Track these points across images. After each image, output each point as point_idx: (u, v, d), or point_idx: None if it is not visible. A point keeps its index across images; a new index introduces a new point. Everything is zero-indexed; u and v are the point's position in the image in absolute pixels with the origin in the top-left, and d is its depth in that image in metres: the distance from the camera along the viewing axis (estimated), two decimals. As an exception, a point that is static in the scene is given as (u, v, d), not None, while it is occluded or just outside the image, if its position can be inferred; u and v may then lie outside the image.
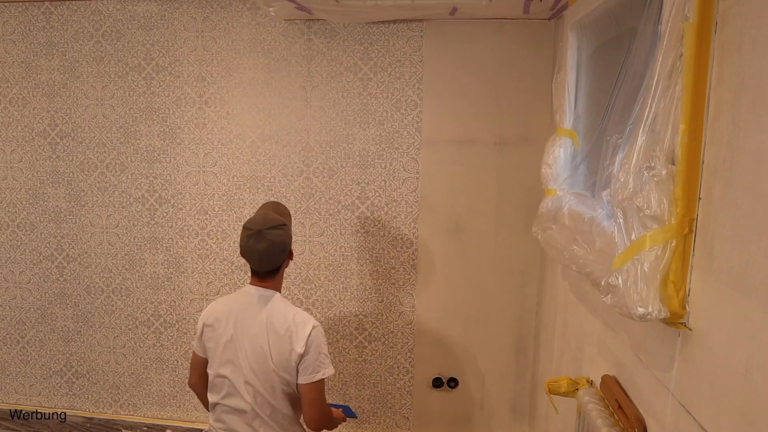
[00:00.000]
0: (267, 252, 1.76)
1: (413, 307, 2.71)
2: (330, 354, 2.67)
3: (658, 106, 1.08)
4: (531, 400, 2.71)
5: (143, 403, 2.97)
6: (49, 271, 2.92)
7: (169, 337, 2.88)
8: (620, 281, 1.14)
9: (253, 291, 1.82)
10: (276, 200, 2.10)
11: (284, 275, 2.16)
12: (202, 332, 1.85)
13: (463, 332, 2.71)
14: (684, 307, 1.09)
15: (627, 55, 1.46)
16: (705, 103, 1.05)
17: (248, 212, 2.72)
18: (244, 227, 1.78)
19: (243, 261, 2.75)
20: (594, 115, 1.82)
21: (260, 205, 2.19)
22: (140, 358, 2.93)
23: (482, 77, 2.52)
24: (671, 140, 1.06)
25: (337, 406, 2.09)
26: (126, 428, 2.90)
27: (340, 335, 2.77)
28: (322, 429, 1.88)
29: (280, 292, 1.86)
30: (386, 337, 2.75)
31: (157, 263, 2.82)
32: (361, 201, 2.64)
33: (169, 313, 2.86)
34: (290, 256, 1.87)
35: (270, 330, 1.78)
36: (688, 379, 1.09)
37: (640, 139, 1.11)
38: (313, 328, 1.80)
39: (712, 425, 1.00)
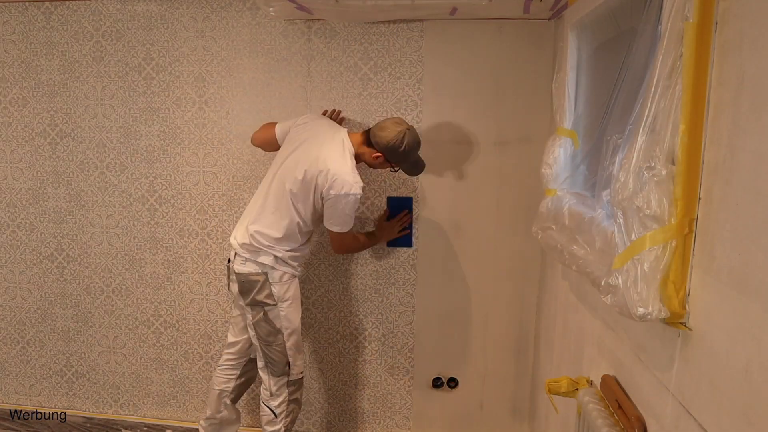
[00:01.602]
0: (380, 125, 2.18)
1: (413, 307, 2.71)
2: (329, 353, 2.69)
3: (658, 106, 1.08)
4: (531, 400, 2.71)
5: (143, 403, 2.97)
6: (49, 271, 2.92)
7: (169, 337, 2.88)
8: (620, 281, 1.14)
9: (343, 134, 2.22)
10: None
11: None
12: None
13: (463, 332, 2.71)
14: (684, 307, 1.09)
15: (627, 55, 1.46)
16: (705, 103, 1.05)
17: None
18: (397, 124, 2.17)
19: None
20: (594, 115, 1.82)
21: None
22: (140, 358, 2.93)
23: (482, 77, 2.52)
24: (671, 140, 1.06)
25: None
26: (126, 428, 2.90)
27: (340, 335, 2.77)
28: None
29: (355, 151, 2.20)
30: (386, 337, 2.75)
31: (157, 263, 2.82)
32: (361, 201, 2.64)
33: (169, 313, 2.86)
34: (379, 156, 2.19)
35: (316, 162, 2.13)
36: (688, 379, 1.09)
37: (640, 139, 1.11)
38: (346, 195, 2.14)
39: (712, 425, 1.00)
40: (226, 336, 2.48)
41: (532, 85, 2.50)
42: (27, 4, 2.72)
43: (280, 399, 2.31)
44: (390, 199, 2.61)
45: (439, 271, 2.68)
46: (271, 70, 2.62)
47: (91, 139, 2.78)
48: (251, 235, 2.19)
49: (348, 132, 2.25)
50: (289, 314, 2.26)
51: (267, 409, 2.32)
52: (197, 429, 2.68)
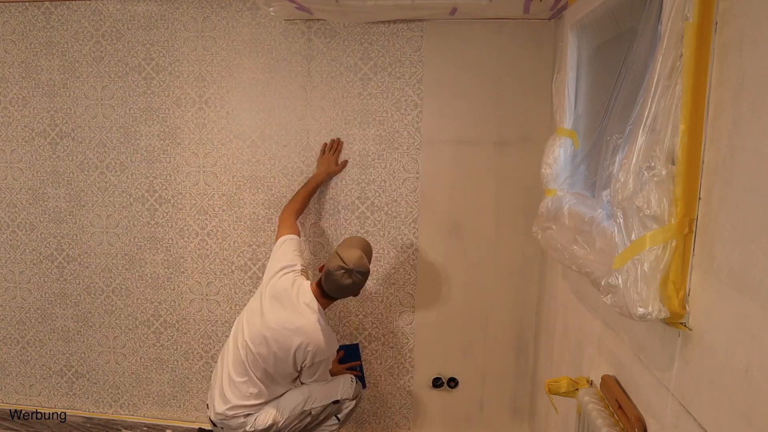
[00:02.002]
0: (347, 288, 2.14)
1: (413, 307, 2.71)
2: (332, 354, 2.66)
3: (658, 106, 1.08)
4: (531, 400, 2.71)
5: (143, 403, 2.97)
6: (49, 271, 2.92)
7: (169, 337, 2.88)
8: (620, 281, 1.14)
9: (310, 297, 2.18)
10: (363, 239, 2.37)
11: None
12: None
13: (463, 332, 2.71)
14: (684, 307, 1.09)
15: (627, 55, 1.46)
16: (705, 103, 1.05)
17: (248, 212, 2.72)
18: (342, 260, 2.12)
19: (243, 261, 2.76)
20: (594, 115, 1.82)
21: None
22: (140, 358, 2.93)
23: (482, 77, 2.52)
24: (671, 140, 1.06)
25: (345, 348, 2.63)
26: (126, 428, 2.90)
27: (340, 335, 2.77)
28: None
29: (323, 310, 2.20)
30: (386, 337, 2.75)
31: (157, 263, 2.82)
32: (361, 201, 2.64)
33: (169, 313, 2.86)
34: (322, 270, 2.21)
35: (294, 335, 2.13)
36: (688, 379, 1.09)
37: (640, 139, 1.11)
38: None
39: (712, 425, 1.00)
40: None
41: (532, 85, 2.50)
42: (27, 4, 2.72)
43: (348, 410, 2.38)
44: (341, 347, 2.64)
45: (439, 271, 2.68)
46: (271, 70, 2.62)
47: (91, 139, 2.78)
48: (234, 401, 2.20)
49: (312, 290, 2.22)
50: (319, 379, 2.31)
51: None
52: (196, 429, 2.67)
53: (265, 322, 2.16)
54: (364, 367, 2.70)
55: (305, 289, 2.20)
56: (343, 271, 2.12)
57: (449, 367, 2.75)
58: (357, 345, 2.67)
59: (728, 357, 0.96)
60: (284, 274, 2.24)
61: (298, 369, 2.20)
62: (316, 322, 2.14)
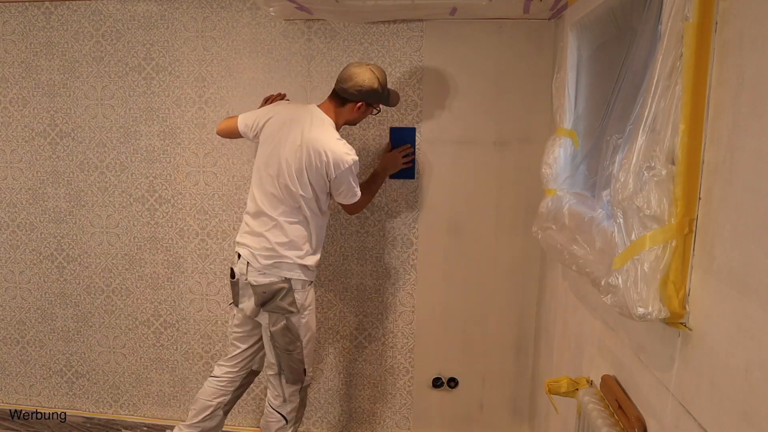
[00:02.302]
0: (351, 75, 2.08)
1: (413, 307, 2.71)
2: (329, 353, 2.69)
3: (658, 106, 1.08)
4: (531, 400, 2.71)
5: (143, 403, 2.97)
6: (49, 271, 2.92)
7: (169, 337, 2.88)
8: (620, 281, 1.14)
9: (316, 109, 2.15)
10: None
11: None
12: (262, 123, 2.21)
13: (463, 332, 2.71)
14: (684, 307, 1.09)
15: (627, 55, 1.46)
16: (705, 103, 1.05)
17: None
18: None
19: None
20: (594, 115, 1.82)
21: None
22: (140, 358, 2.93)
23: (482, 77, 2.52)
24: (671, 140, 1.06)
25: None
26: (126, 428, 2.90)
27: (340, 335, 2.77)
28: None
29: (333, 119, 2.16)
30: (386, 337, 2.75)
31: (157, 263, 2.82)
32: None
33: (169, 313, 2.86)
34: (359, 107, 2.13)
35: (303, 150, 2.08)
36: (688, 379, 1.09)
37: (640, 139, 1.11)
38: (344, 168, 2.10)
39: (713, 425, 1.00)
40: (228, 350, 2.35)
41: (532, 85, 2.50)
42: (27, 4, 2.72)
43: (293, 405, 2.27)
44: (393, 130, 2.56)
45: (439, 271, 2.68)
46: (271, 70, 2.62)
47: (91, 139, 2.78)
48: (266, 246, 2.12)
49: (316, 105, 2.19)
50: (309, 321, 2.20)
51: (278, 415, 2.26)
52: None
53: (281, 152, 2.10)
54: (416, 159, 2.59)
55: (316, 112, 2.15)
56: (374, 69, 2.09)
57: (449, 367, 2.75)
58: (414, 129, 2.54)
59: (728, 357, 0.96)
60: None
61: (325, 185, 2.12)
62: (333, 135, 2.09)
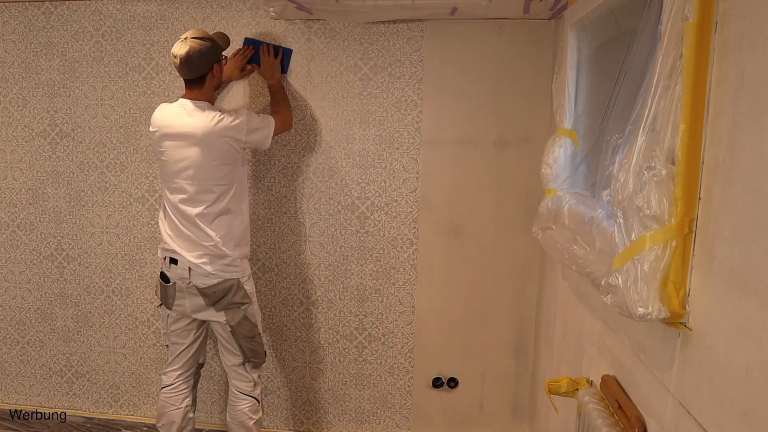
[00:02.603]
0: (190, 56, 2.07)
1: (413, 307, 2.71)
2: (329, 353, 2.69)
3: (658, 106, 1.08)
4: (531, 400, 2.71)
5: (143, 403, 2.97)
6: (49, 271, 2.92)
7: (169, 337, 2.88)
8: (620, 281, 1.14)
9: (187, 103, 2.17)
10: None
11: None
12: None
13: (463, 332, 2.71)
14: (684, 307, 1.09)
15: (627, 55, 1.46)
16: (705, 103, 1.05)
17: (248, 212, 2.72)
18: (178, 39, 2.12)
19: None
20: (594, 115, 1.82)
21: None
22: (140, 358, 2.93)
23: (482, 77, 2.52)
24: (671, 140, 1.06)
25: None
26: (126, 428, 2.90)
27: (340, 335, 2.77)
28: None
29: (211, 103, 2.22)
30: (386, 337, 2.75)
31: (157, 263, 2.82)
32: (361, 201, 2.64)
33: (169, 313, 2.86)
34: (214, 71, 2.18)
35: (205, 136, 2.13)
36: (688, 379, 1.09)
37: (640, 139, 1.11)
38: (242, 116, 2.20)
39: (713, 425, 1.00)
40: (169, 353, 2.38)
41: (532, 85, 2.50)
42: (27, 4, 2.72)
43: (260, 386, 2.38)
44: (246, 40, 2.56)
45: (439, 271, 2.68)
46: (271, 70, 2.61)
47: (91, 139, 2.78)
48: (206, 245, 2.16)
49: (183, 96, 2.22)
50: (257, 306, 2.33)
51: (251, 399, 2.33)
52: (197, 429, 2.67)
53: (179, 153, 2.15)
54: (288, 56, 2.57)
55: (181, 104, 2.19)
56: (178, 40, 2.10)
57: (449, 367, 2.75)
58: (262, 42, 2.53)
59: (728, 357, 0.96)
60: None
61: (239, 150, 2.20)
62: (212, 111, 2.15)
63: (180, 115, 2.17)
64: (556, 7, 2.18)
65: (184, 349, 2.36)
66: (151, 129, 2.25)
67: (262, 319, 2.36)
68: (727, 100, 0.99)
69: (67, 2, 2.69)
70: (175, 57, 2.09)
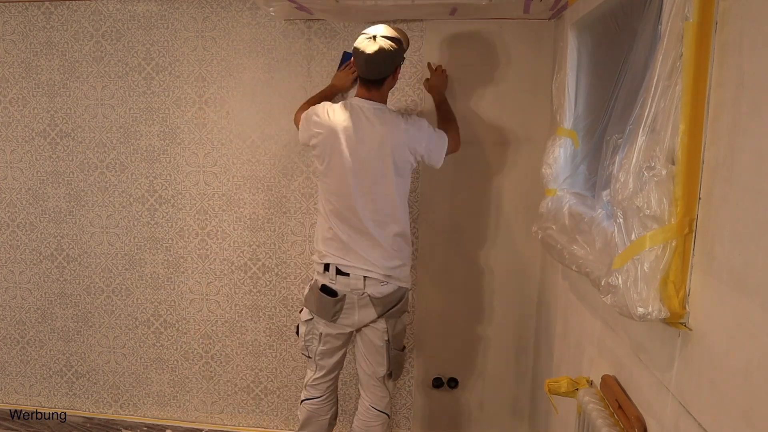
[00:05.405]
0: (377, 57, 1.95)
1: (413, 307, 2.71)
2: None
3: (658, 106, 1.08)
4: (531, 400, 2.71)
5: (143, 403, 2.97)
6: (49, 271, 2.92)
7: (169, 337, 2.88)
8: (620, 281, 1.14)
9: (365, 105, 2.04)
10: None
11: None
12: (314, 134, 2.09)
13: (463, 332, 2.71)
14: (684, 307, 1.09)
15: (627, 55, 1.46)
16: (705, 103, 1.05)
17: (248, 212, 2.72)
18: (362, 33, 1.99)
19: (243, 261, 2.76)
20: (594, 115, 1.82)
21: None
22: (140, 358, 2.93)
23: (482, 77, 2.52)
24: (671, 140, 1.06)
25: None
26: (126, 428, 2.90)
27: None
28: None
29: (383, 101, 2.09)
30: (386, 337, 2.75)
31: (157, 263, 2.82)
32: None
33: (169, 313, 2.86)
34: (396, 73, 2.07)
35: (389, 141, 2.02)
36: (688, 379, 1.09)
37: (640, 139, 1.11)
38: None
39: (713, 425, 1.00)
40: (316, 370, 2.25)
41: (532, 85, 2.50)
42: (27, 4, 2.72)
43: (392, 398, 2.31)
44: (345, 54, 2.52)
45: (439, 271, 2.68)
46: (271, 70, 2.62)
47: (91, 139, 2.78)
48: (383, 254, 2.06)
49: (356, 96, 2.09)
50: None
51: (384, 415, 2.25)
52: (197, 429, 2.67)
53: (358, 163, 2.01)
54: None
55: (349, 104, 2.06)
56: (364, 36, 1.96)
57: (449, 367, 2.75)
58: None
59: (728, 357, 0.96)
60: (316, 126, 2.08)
61: (413, 162, 2.08)
62: (396, 116, 2.04)
63: (358, 118, 2.02)
64: (556, 7, 2.18)
65: (337, 362, 2.25)
66: (315, 130, 2.07)
67: None
68: (727, 101, 0.99)
69: (67, 2, 2.69)
70: (359, 53, 1.96)
